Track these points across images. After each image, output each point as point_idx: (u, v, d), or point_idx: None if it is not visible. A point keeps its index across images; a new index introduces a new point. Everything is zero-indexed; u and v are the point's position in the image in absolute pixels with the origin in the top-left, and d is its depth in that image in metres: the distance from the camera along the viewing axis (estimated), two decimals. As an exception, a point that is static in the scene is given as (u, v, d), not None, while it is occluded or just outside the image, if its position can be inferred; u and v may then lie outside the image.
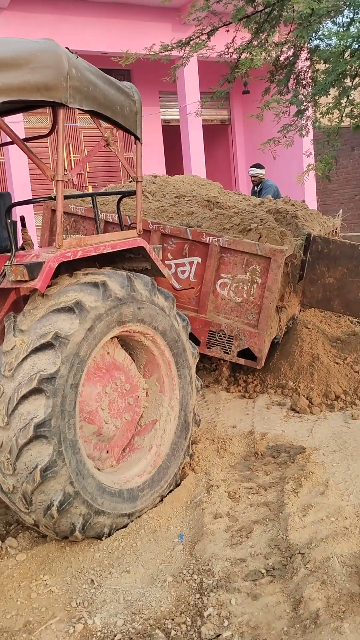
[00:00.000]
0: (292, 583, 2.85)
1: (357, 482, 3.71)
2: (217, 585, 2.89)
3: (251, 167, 9.19)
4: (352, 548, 3.03)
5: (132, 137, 3.84)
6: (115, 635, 2.61)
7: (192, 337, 5.36)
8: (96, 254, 3.41)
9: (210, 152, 13.69)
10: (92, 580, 3.01)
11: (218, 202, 6.32)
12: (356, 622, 2.52)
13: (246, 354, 5.30)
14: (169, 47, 5.15)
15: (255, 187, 9.12)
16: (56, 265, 3.17)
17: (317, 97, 4.47)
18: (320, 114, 4.48)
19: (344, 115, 4.34)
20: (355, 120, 4.27)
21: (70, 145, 11.68)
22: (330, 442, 4.37)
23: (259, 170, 9.03)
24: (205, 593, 2.85)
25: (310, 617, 2.60)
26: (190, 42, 5.19)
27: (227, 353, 5.33)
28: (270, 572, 2.97)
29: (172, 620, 2.70)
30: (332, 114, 4.30)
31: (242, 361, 5.33)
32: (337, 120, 4.36)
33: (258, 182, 9.06)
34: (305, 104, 4.70)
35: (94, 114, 3.39)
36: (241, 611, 2.71)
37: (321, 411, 5.00)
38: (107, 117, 3.47)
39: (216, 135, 14.46)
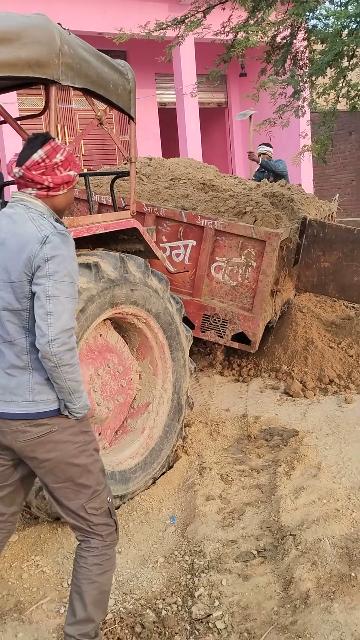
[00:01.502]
0: (283, 564, 2.86)
1: (349, 465, 3.72)
2: (208, 566, 2.90)
3: (260, 144, 8.83)
4: (343, 529, 3.04)
5: (127, 118, 3.79)
6: (106, 615, 2.61)
7: (187, 321, 5.34)
8: (89, 234, 3.37)
9: (206, 135, 13.58)
10: (84, 561, 3.01)
11: (213, 185, 6.27)
12: (346, 602, 2.54)
13: (240, 337, 5.29)
14: (164, 26, 5.08)
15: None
16: (48, 246, 3.14)
17: (313, 78, 4.42)
18: (316, 94, 4.43)
19: (340, 96, 4.29)
20: (352, 101, 4.23)
21: (65, 127, 11.56)
22: (324, 425, 4.37)
23: (268, 148, 8.72)
24: (197, 574, 2.86)
25: (301, 598, 2.61)
26: (186, 21, 5.11)
27: (222, 337, 5.32)
28: (261, 554, 2.99)
29: (163, 600, 2.71)
30: (329, 94, 4.26)
31: (236, 345, 5.32)
32: (333, 101, 4.32)
33: (267, 160, 8.85)
34: (301, 84, 4.65)
35: (87, 92, 3.33)
36: (232, 591, 2.72)
37: (315, 395, 5.00)
38: (100, 96, 3.41)
39: (213, 119, 14.34)
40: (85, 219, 3.50)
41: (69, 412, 2.16)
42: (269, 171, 8.57)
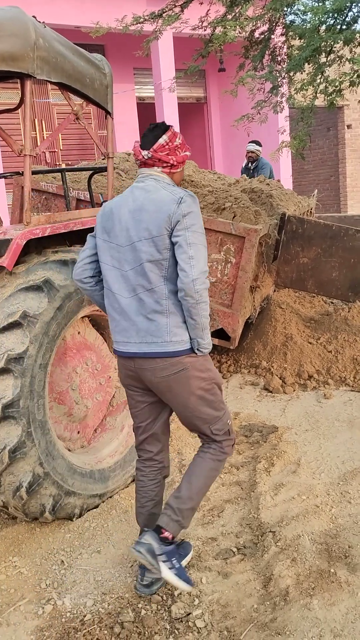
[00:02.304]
0: (263, 561, 2.86)
1: (328, 461, 3.74)
2: (188, 564, 2.88)
3: (250, 142, 8.73)
4: (323, 525, 3.05)
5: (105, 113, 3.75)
6: (84, 616, 2.59)
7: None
8: (66, 231, 3.33)
9: (185, 130, 13.54)
10: (62, 561, 2.99)
11: (192, 181, 6.25)
12: (325, 598, 2.54)
13: (220, 334, 5.28)
14: (141, 20, 5.03)
15: (250, 164, 8.74)
16: (24, 243, 3.09)
17: (291, 73, 4.41)
18: (294, 90, 4.43)
19: (318, 92, 4.29)
20: (330, 97, 4.23)
21: (43, 122, 11.44)
22: (303, 421, 4.39)
23: (257, 147, 8.63)
24: (176, 572, 2.84)
25: (280, 594, 2.61)
26: (163, 15, 5.07)
27: (201, 333, 5.30)
28: (241, 551, 2.98)
29: (143, 599, 2.69)
30: (307, 90, 4.25)
31: (215, 341, 5.31)
32: (311, 97, 4.31)
33: (255, 159, 8.69)
34: (279, 80, 4.63)
35: (63, 87, 3.29)
36: (211, 589, 2.71)
37: (294, 391, 5.02)
38: (76, 90, 3.37)
39: (192, 114, 14.30)
40: (62, 215, 3.45)
41: (199, 348, 2.55)
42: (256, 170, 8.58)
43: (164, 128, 2.59)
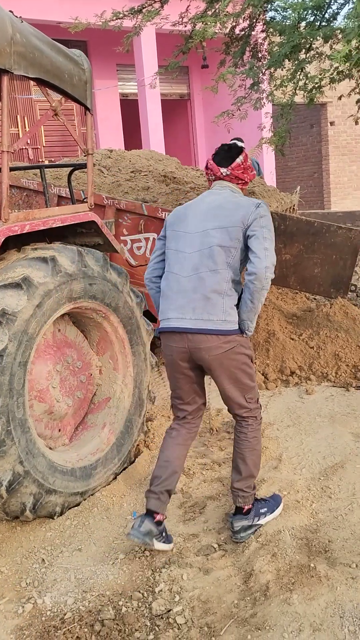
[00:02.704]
0: (244, 557, 2.87)
1: (309, 457, 3.75)
2: (169, 561, 2.88)
3: (232, 140, 8.84)
4: (303, 521, 3.07)
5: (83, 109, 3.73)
6: (65, 614, 2.59)
7: (149, 315, 5.31)
8: (45, 228, 3.31)
9: (169, 127, 13.52)
10: (43, 559, 2.97)
11: (175, 178, 6.25)
12: (305, 593, 2.56)
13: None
14: (121, 15, 5.00)
15: None
16: (2, 240, 3.07)
17: (272, 70, 4.41)
18: (274, 86, 4.43)
19: (297, 88, 4.29)
20: (310, 93, 4.24)
21: (25, 118, 11.37)
22: (285, 417, 4.40)
23: (240, 144, 8.74)
24: (157, 569, 2.85)
25: (260, 590, 2.62)
26: (143, 10, 5.05)
27: (184, 330, 5.30)
28: (222, 547, 2.99)
29: (124, 597, 2.69)
30: (286, 86, 4.25)
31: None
32: (290, 93, 4.32)
33: None
34: (260, 76, 4.63)
35: (41, 82, 3.26)
36: (192, 586, 2.71)
37: (276, 387, 5.04)
38: (55, 86, 3.34)
39: (175, 111, 14.28)
40: (41, 212, 3.43)
41: (247, 330, 2.87)
42: None
43: (239, 150, 3.04)
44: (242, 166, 2.99)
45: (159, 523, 2.90)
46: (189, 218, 2.96)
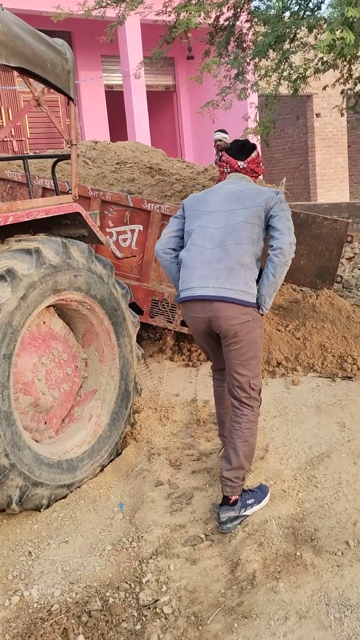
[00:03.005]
0: (230, 547, 2.88)
1: (296, 446, 3.77)
2: (156, 551, 2.89)
3: (216, 131, 8.64)
4: (289, 510, 3.08)
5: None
6: (52, 606, 2.58)
7: (135, 307, 5.30)
8: (29, 219, 3.28)
9: (155, 119, 13.47)
10: (30, 552, 2.97)
11: (160, 169, 6.23)
12: (291, 581, 2.57)
13: (189, 322, 5.28)
14: (104, 4, 4.95)
15: (219, 153, 8.77)
16: (-15, 231, 3.04)
17: (256, 60, 4.39)
18: (259, 76, 4.41)
19: (281, 78, 4.28)
20: (294, 83, 4.23)
21: (10, 109, 11.25)
22: (271, 407, 4.42)
23: (224, 135, 8.50)
24: (145, 560, 2.85)
25: (247, 579, 2.63)
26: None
27: (171, 322, 5.30)
28: (209, 537, 3.00)
29: (111, 588, 2.69)
30: (271, 76, 4.24)
31: (185, 330, 5.32)
32: (275, 83, 4.31)
33: (223, 147, 8.62)
34: (244, 66, 4.61)
35: (23, 72, 3.22)
36: (179, 576, 2.72)
37: (263, 378, 5.05)
38: (37, 75, 3.30)
39: (161, 102, 14.22)
40: (25, 203, 3.40)
41: (263, 305, 2.99)
42: None
43: (252, 146, 3.28)
44: (256, 160, 3.24)
45: (235, 503, 3.06)
46: (209, 200, 3.15)
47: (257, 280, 3.02)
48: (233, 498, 3.04)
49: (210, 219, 3.08)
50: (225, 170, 3.28)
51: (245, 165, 3.21)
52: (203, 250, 3.02)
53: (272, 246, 2.95)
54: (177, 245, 3.23)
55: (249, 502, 3.09)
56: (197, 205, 3.18)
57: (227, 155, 3.24)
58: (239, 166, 3.22)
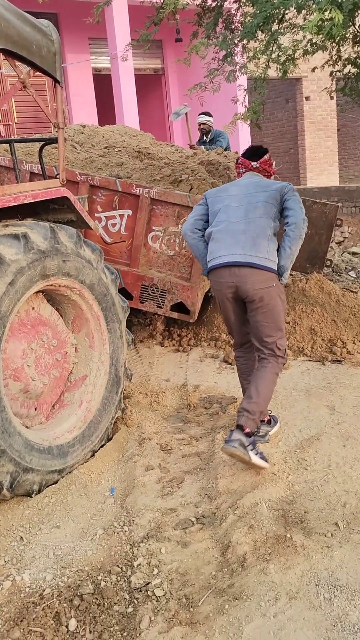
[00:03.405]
0: (221, 529, 2.90)
1: (286, 430, 3.79)
2: (147, 535, 2.90)
3: (200, 114, 8.56)
4: (279, 493, 3.10)
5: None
6: (44, 590, 2.59)
7: (125, 292, 5.28)
8: (16, 204, 3.25)
9: (143, 102, 13.34)
10: (22, 537, 2.97)
11: (149, 153, 6.18)
12: (281, 562, 2.59)
13: (180, 307, 5.28)
14: (90, -16, 4.86)
15: (205, 137, 8.56)
16: (-28, 217, 3.01)
17: (245, 42, 4.34)
18: (247, 58, 4.37)
19: (270, 60, 4.24)
20: (283, 66, 4.19)
21: (-4, 93, 11.09)
22: (261, 391, 4.42)
23: (208, 118, 8.42)
24: (136, 544, 2.86)
25: (238, 561, 2.65)
26: (113, -21, 4.91)
27: (161, 307, 5.29)
28: (200, 520, 3.01)
29: (102, 572, 2.70)
30: (259, 59, 4.20)
31: (175, 315, 5.31)
32: (263, 66, 4.27)
33: (207, 130, 8.49)
34: (231, 47, 4.56)
35: (8, 54, 3.17)
36: (171, 559, 2.74)
37: (253, 362, 5.05)
38: (22, 57, 3.25)
39: (149, 85, 14.08)
40: (12, 187, 3.36)
41: (283, 275, 3.41)
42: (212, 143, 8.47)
43: (265, 150, 3.73)
44: (268, 162, 3.69)
45: (248, 435, 3.26)
46: (230, 189, 3.61)
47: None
48: (247, 429, 3.27)
49: (233, 199, 3.51)
50: (241, 170, 3.71)
51: (257, 165, 3.66)
52: (229, 224, 3.44)
53: (288, 222, 3.40)
54: (202, 227, 3.64)
55: (257, 447, 3.34)
56: (219, 193, 3.62)
57: (242, 158, 3.70)
58: (252, 166, 3.66)
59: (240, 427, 3.26)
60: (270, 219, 3.42)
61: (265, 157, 3.69)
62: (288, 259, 3.40)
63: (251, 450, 3.21)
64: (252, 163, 3.67)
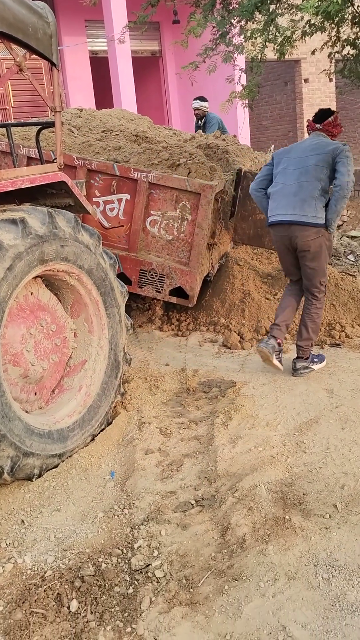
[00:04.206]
0: (220, 511, 2.92)
1: (284, 413, 3.81)
2: (147, 518, 2.93)
3: (194, 99, 8.61)
4: (278, 475, 3.13)
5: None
6: (45, 572, 2.62)
7: (124, 277, 5.27)
8: (13, 188, 3.23)
9: (141, 85, 13.22)
10: (23, 520, 3.00)
11: (147, 137, 6.14)
12: (280, 544, 2.62)
13: (178, 292, 5.28)
14: (86, -36, 4.80)
15: (199, 121, 8.60)
16: (-31, 201, 3.00)
17: (242, 22, 4.29)
18: (244, 38, 4.32)
19: (267, 40, 4.20)
20: (280, 46, 4.15)
21: (-8, 77, 10.99)
22: (260, 375, 4.45)
23: (202, 103, 8.45)
24: (136, 526, 2.89)
25: (237, 542, 2.68)
26: None
27: (159, 292, 5.29)
28: (199, 503, 3.04)
29: (103, 554, 2.73)
30: (256, 39, 4.16)
31: (174, 300, 5.31)
32: (260, 46, 4.23)
33: (202, 115, 8.53)
34: (229, 27, 4.51)
35: (4, 36, 3.13)
36: (171, 541, 2.76)
37: (252, 346, 5.07)
38: (18, 40, 3.21)
39: (147, 68, 13.95)
40: (9, 172, 3.34)
41: (330, 226, 4.12)
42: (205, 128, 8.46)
43: (331, 112, 4.30)
44: (332, 123, 4.25)
45: (279, 344, 4.35)
46: (292, 151, 4.28)
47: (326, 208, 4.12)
48: (279, 340, 4.33)
49: (290, 163, 4.20)
50: (309, 131, 4.35)
51: (321, 127, 4.29)
52: (284, 186, 4.18)
53: (335, 184, 4.04)
54: (266, 185, 4.38)
55: (315, 360, 4.43)
56: (283, 154, 4.31)
57: (309, 120, 4.33)
58: (316, 127, 4.29)
59: (274, 337, 4.30)
60: (319, 180, 4.07)
61: (330, 119, 4.24)
62: (334, 214, 4.07)
63: (276, 356, 4.32)
64: (316, 125, 4.29)
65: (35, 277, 3.43)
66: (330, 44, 5.27)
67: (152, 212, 5.19)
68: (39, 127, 4.09)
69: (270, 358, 4.24)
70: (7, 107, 11.29)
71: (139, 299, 5.97)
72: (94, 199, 5.26)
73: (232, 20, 4.60)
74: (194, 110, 8.59)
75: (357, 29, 5.38)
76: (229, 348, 5.08)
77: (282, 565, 2.51)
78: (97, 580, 2.57)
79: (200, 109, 8.50)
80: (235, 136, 7.60)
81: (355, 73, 5.73)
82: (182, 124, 13.56)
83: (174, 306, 5.72)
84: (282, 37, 4.17)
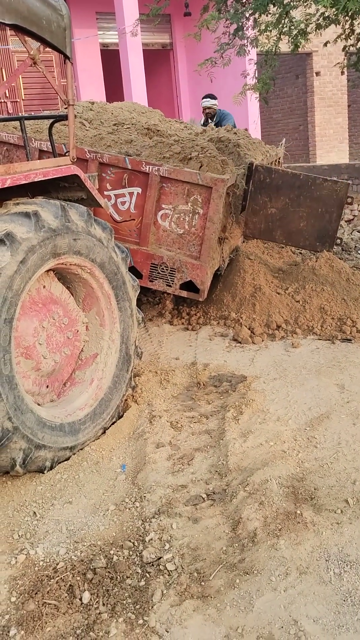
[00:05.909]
0: (232, 505, 2.93)
1: (295, 408, 3.81)
2: (158, 511, 2.94)
3: (204, 98, 8.34)
4: (289, 470, 3.13)
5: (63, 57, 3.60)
6: (57, 564, 2.64)
7: (134, 271, 5.28)
8: (27, 182, 3.23)
9: (152, 78, 13.18)
10: (35, 512, 3.02)
11: (158, 130, 6.12)
12: (291, 538, 2.63)
13: (189, 286, 5.27)
14: None
15: (210, 120, 8.26)
16: (-17, 195, 3.00)
17: (256, 15, 4.27)
18: (259, 31, 4.30)
19: (281, 33, 4.18)
20: (294, 39, 4.13)
21: (3, 70, 11.02)
22: (271, 370, 4.45)
23: (213, 101, 8.18)
24: (147, 519, 2.90)
25: (248, 536, 2.69)
26: None
27: (170, 286, 5.29)
28: (210, 497, 3.05)
29: (115, 546, 2.75)
30: (271, 32, 4.13)
31: (184, 293, 5.31)
32: (275, 39, 4.21)
33: (213, 114, 8.27)
34: (242, 21, 4.49)
35: (18, 29, 3.13)
36: (182, 534, 2.78)
37: (262, 341, 5.07)
38: (32, 33, 3.22)
39: (158, 61, 13.90)
40: (22, 165, 3.35)
41: None
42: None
43: None
44: None
45: None
46: None
47: None
48: None
49: None
50: None
51: None
52: None
53: None
54: None
55: None
56: None
57: None
58: None
59: None
60: None
61: None
62: None
63: None
64: None
65: (47, 271, 3.44)
66: (343, 36, 5.24)
67: (163, 205, 5.18)
68: (52, 120, 4.08)
69: None
70: (18, 100, 11.30)
71: (150, 293, 5.97)
72: (106, 192, 5.25)
73: (246, 13, 4.57)
74: (205, 109, 8.33)
75: (371, 22, 5.34)
76: (240, 342, 5.08)
77: (294, 560, 2.51)
78: (109, 572, 2.58)
79: (212, 108, 8.30)
80: (246, 129, 7.57)
81: (368, 66, 5.69)
82: (193, 117, 13.49)
83: (184, 300, 5.72)
84: (297, 30, 4.14)
